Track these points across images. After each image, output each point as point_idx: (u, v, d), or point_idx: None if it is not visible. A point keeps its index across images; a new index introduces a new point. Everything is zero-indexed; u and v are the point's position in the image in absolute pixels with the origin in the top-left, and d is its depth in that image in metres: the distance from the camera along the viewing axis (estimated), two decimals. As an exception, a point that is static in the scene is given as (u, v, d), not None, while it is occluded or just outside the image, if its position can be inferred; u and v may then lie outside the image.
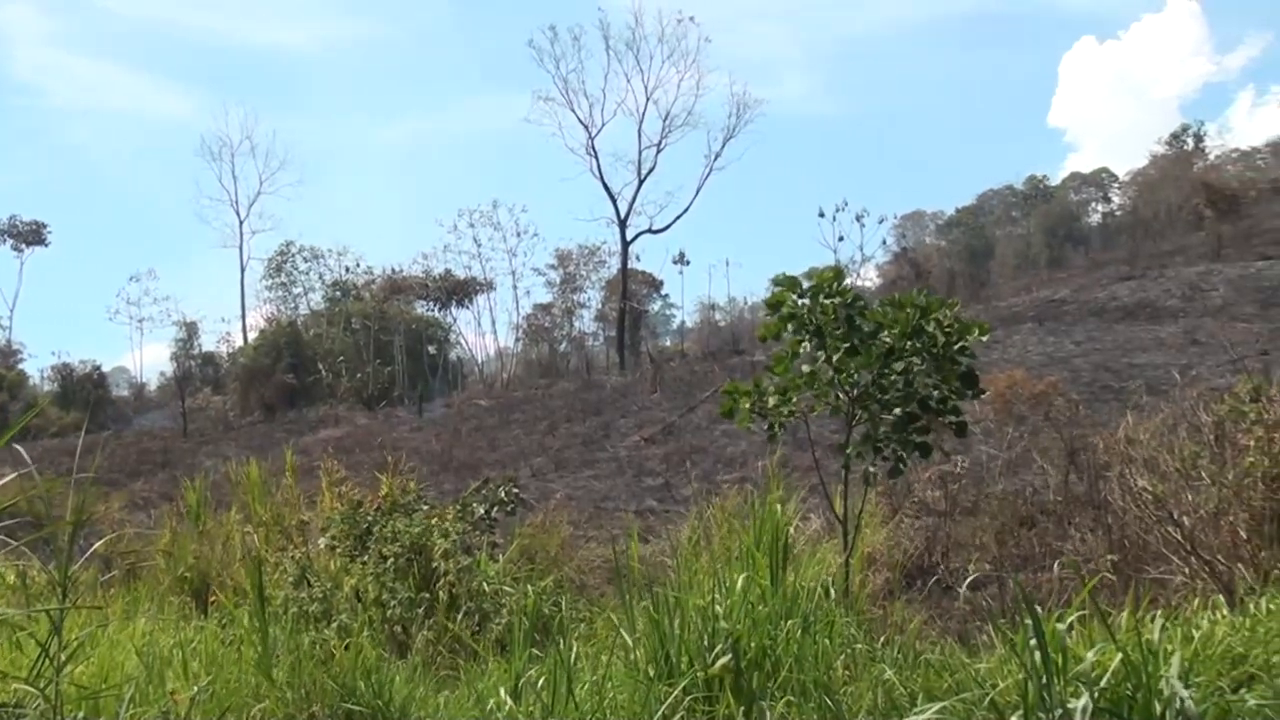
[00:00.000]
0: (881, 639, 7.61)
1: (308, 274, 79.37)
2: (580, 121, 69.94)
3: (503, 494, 14.39)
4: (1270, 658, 5.94)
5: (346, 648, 8.27)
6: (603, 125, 69.84)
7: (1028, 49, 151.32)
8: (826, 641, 6.82)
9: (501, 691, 6.87)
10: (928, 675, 6.27)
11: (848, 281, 9.48)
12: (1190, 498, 9.91)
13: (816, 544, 9.87)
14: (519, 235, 73.85)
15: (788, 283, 9.19)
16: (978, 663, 6.41)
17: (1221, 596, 7.95)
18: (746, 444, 28.35)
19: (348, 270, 78.84)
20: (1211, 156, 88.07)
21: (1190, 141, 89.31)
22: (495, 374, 74.47)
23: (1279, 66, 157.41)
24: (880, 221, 75.72)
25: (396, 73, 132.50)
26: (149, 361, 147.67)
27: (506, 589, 11.16)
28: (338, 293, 78.55)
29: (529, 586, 10.97)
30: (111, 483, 33.75)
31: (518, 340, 78.32)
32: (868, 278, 75.13)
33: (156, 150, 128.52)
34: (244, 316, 78.22)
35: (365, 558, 11.70)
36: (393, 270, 75.87)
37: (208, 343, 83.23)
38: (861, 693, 6.27)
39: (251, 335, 74.61)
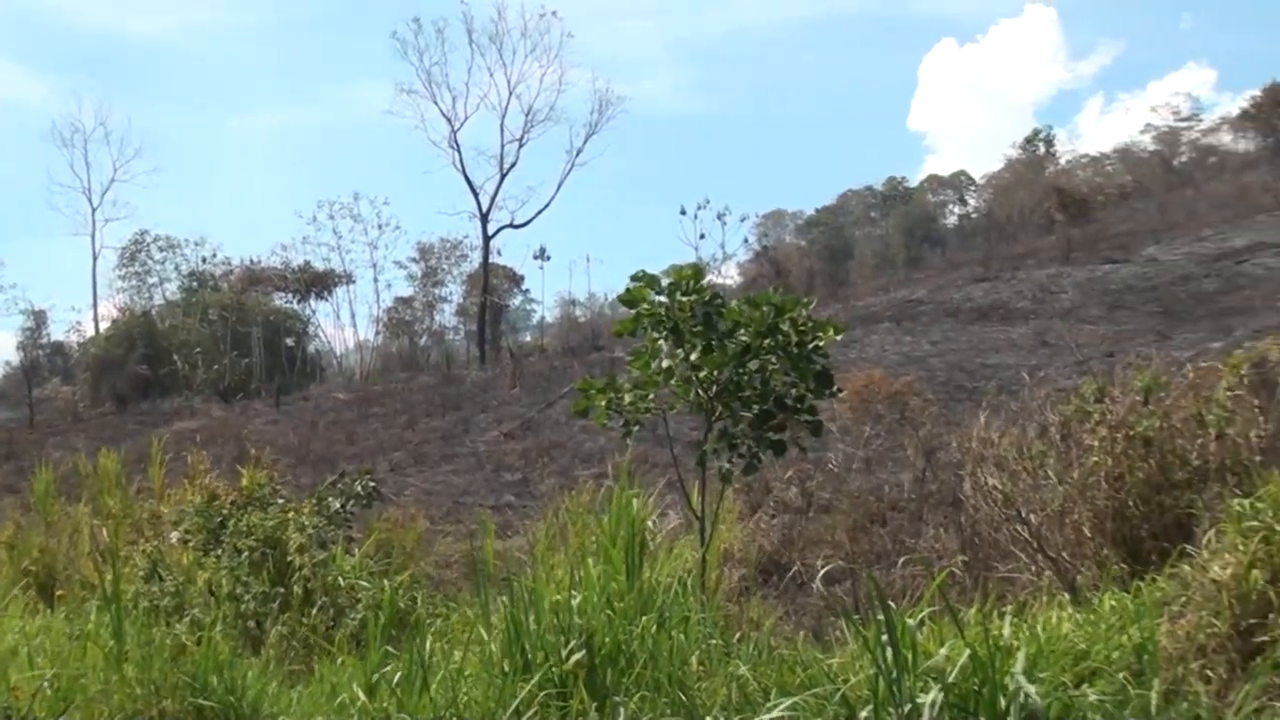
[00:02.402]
0: (737, 635, 7.67)
1: (163, 264, 77.78)
2: (443, 114, 69.44)
3: (359, 488, 14.24)
4: (1111, 653, 6.09)
5: (199, 643, 8.12)
6: (465, 119, 69.40)
7: (890, 50, 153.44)
8: (682, 637, 6.85)
9: (355, 687, 6.80)
10: (781, 671, 6.33)
11: (709, 279, 9.52)
12: (1038, 496, 10.10)
13: (674, 540, 9.88)
14: (380, 228, 73.03)
15: (645, 279, 9.19)
16: (831, 658, 6.48)
17: (1066, 594, 8.12)
18: (605, 440, 28.34)
19: (205, 260, 77.46)
20: (1062, 161, 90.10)
21: (1042, 146, 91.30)
22: (355, 367, 73.66)
23: (1129, 75, 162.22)
24: (742, 220, 76.12)
25: (258, 61, 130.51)
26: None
27: (362, 584, 11.05)
28: (194, 283, 77.06)
29: (385, 582, 10.87)
30: (-49, 475, 32.87)
31: (378, 333, 77.55)
32: (729, 276, 75.50)
33: (2, 135, 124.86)
34: (95, 306, 76.37)
35: (219, 552, 11.51)
36: (251, 261, 74.66)
37: (57, 332, 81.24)
38: (715, 688, 6.30)
39: (103, 325, 72.96)
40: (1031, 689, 5.13)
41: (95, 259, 76.25)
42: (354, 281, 74.42)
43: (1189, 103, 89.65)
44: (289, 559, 11.07)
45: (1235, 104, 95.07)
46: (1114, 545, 9.15)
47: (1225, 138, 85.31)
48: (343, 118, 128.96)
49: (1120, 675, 5.76)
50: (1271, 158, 63.54)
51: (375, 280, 75.78)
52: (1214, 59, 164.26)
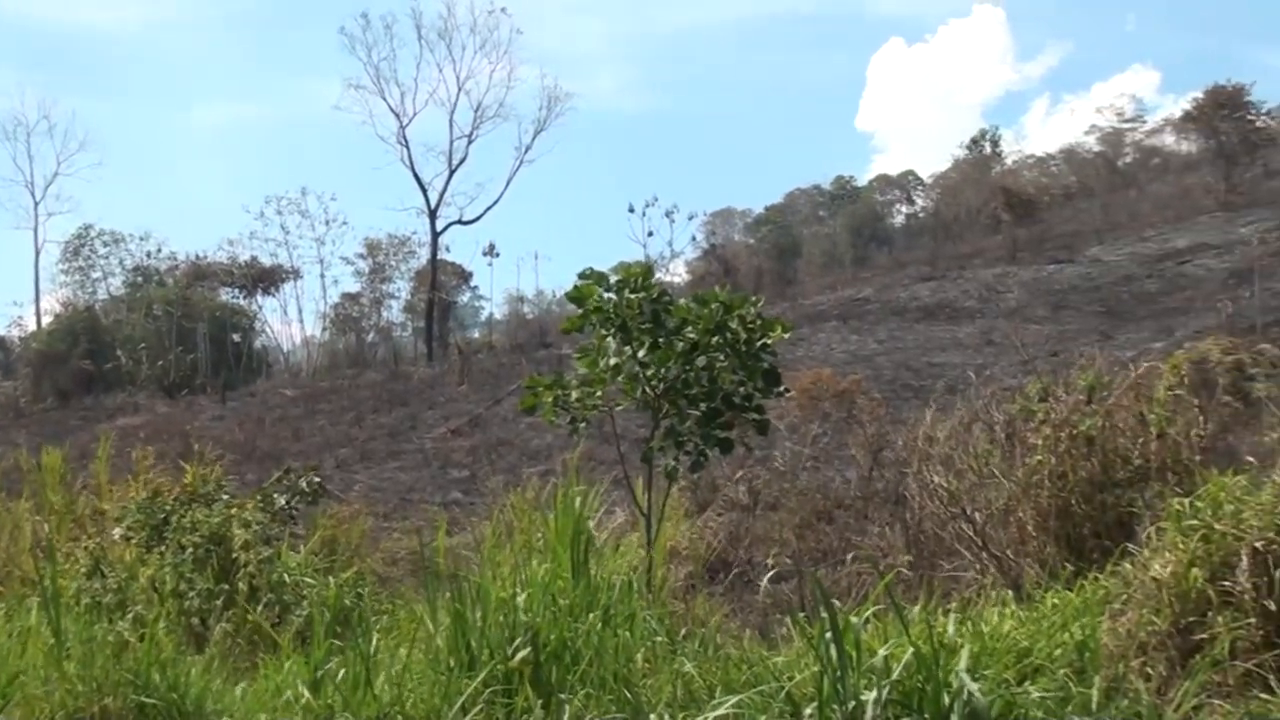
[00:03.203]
0: (682, 632, 7.67)
1: (107, 258, 77.05)
2: (391, 110, 68.98)
3: (305, 484, 14.20)
4: (1054, 651, 6.14)
5: (141, 639, 8.05)
6: (414, 115, 68.97)
7: (839, 49, 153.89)
8: (627, 634, 6.85)
9: (299, 684, 6.77)
10: (726, 668, 6.34)
11: (656, 277, 9.53)
12: (983, 495, 10.17)
13: (620, 538, 9.88)
14: (328, 224, 72.57)
15: (593, 277, 9.19)
16: (776, 656, 6.50)
17: (1010, 591, 8.18)
18: (552, 437, 28.35)
19: (150, 255, 76.75)
20: (1009, 161, 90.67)
21: (988, 146, 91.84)
22: (301, 363, 73.26)
23: (1075, 76, 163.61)
24: (690, 218, 76.15)
25: (206, 56, 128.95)
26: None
27: (308, 580, 11.01)
28: (139, 278, 76.37)
29: (330, 578, 10.84)
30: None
31: (325, 330, 77.13)
32: (677, 273, 75.48)
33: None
34: (38, 300, 75.44)
35: (163, 549, 11.43)
36: (197, 257, 74.10)
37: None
38: (661, 685, 6.31)
39: (46, 320, 72.11)
40: (974, 686, 5.17)
41: (38, 253, 75.34)
42: (301, 277, 74.11)
43: (1133, 104, 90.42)
44: (234, 556, 11.01)
45: (1178, 106, 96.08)
46: (1057, 543, 9.23)
47: (1168, 139, 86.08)
48: (291, 113, 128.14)
49: (1062, 672, 5.81)
50: (1213, 160, 64.12)
51: (322, 276, 75.25)
52: (1158, 61, 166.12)
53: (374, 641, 7.11)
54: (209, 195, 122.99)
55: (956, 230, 79.06)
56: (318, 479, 14.74)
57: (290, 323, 77.82)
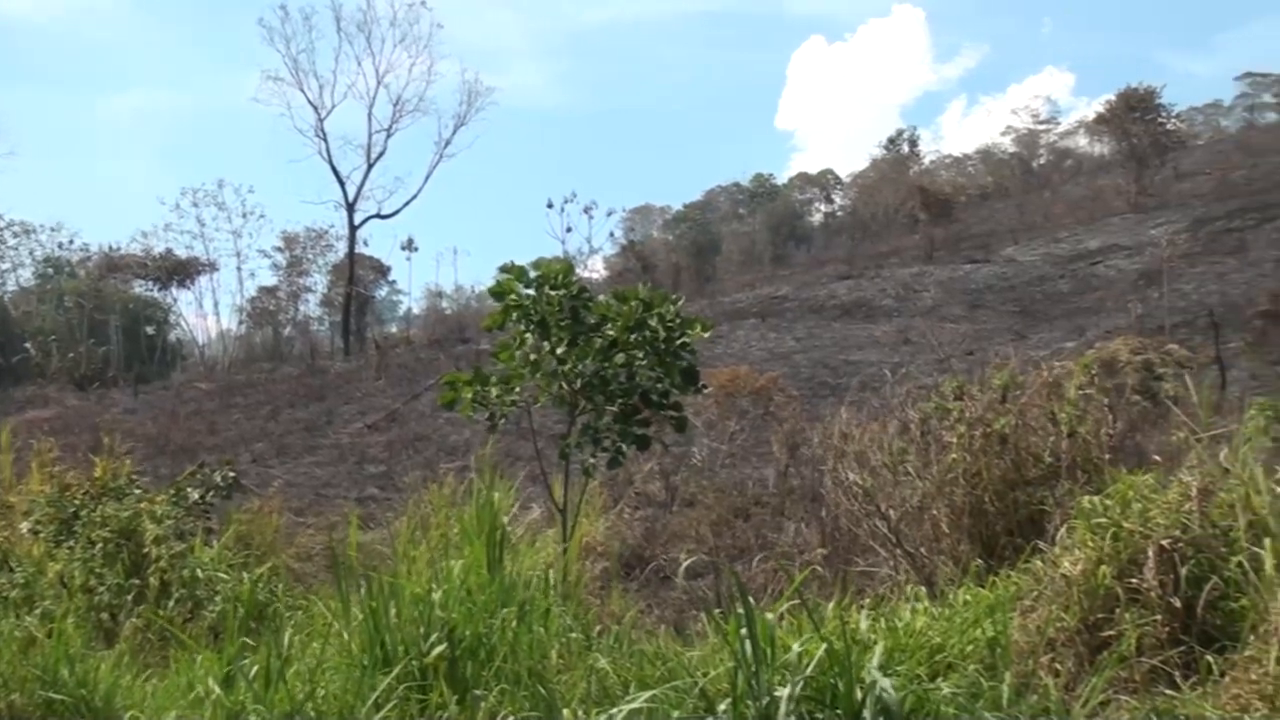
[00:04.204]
0: (597, 628, 7.68)
1: (17, 249, 75.67)
2: (310, 103, 68.16)
3: (219, 479, 14.06)
4: (965, 647, 6.21)
5: (50, 635, 7.95)
6: (333, 108, 68.20)
7: (759, 47, 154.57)
8: (542, 630, 6.85)
9: (211, 680, 6.70)
10: (641, 664, 6.35)
11: (575, 273, 9.55)
12: (897, 492, 10.26)
13: (536, 534, 9.88)
14: (245, 216, 71.60)
15: (514, 271, 9.18)
16: (691, 652, 6.53)
17: (924, 588, 8.26)
18: (470, 432, 28.31)
19: (61, 247, 75.51)
20: (926, 161, 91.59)
21: (906, 146, 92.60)
22: (217, 357, 72.41)
23: (991, 77, 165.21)
24: (609, 214, 75.91)
25: (121, 45, 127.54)
26: None
27: (221, 576, 10.91)
28: (50, 269, 75.17)
29: (244, 574, 10.75)
30: None
31: (241, 323, 76.29)
32: (595, 270, 75.40)
33: None
34: (-57, 292, 74.14)
35: (72, 543, 11.29)
36: (110, 248, 72.99)
37: (-100, 317, 78.67)
38: (575, 681, 6.31)
39: (-48, 311, 70.82)
40: (886, 683, 5.22)
41: (-56, 244, 74.06)
42: (217, 270, 73.04)
43: (1048, 106, 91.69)
44: (145, 550, 10.88)
45: (1091, 108, 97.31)
46: (970, 540, 9.33)
47: (1081, 141, 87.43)
48: (208, 104, 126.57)
49: (973, 669, 5.88)
50: (1124, 162, 64.97)
51: (239, 269, 74.22)
52: (1073, 63, 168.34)
53: (288, 637, 7.06)
54: (123, 186, 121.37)
55: (874, 229, 79.61)
56: (232, 473, 14.59)
57: (206, 316, 76.63)
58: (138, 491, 12.48)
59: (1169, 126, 63.38)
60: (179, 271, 71.15)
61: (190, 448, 31.36)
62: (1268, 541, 5.85)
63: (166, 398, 46.77)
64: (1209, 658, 5.76)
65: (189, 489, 13.39)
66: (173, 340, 74.16)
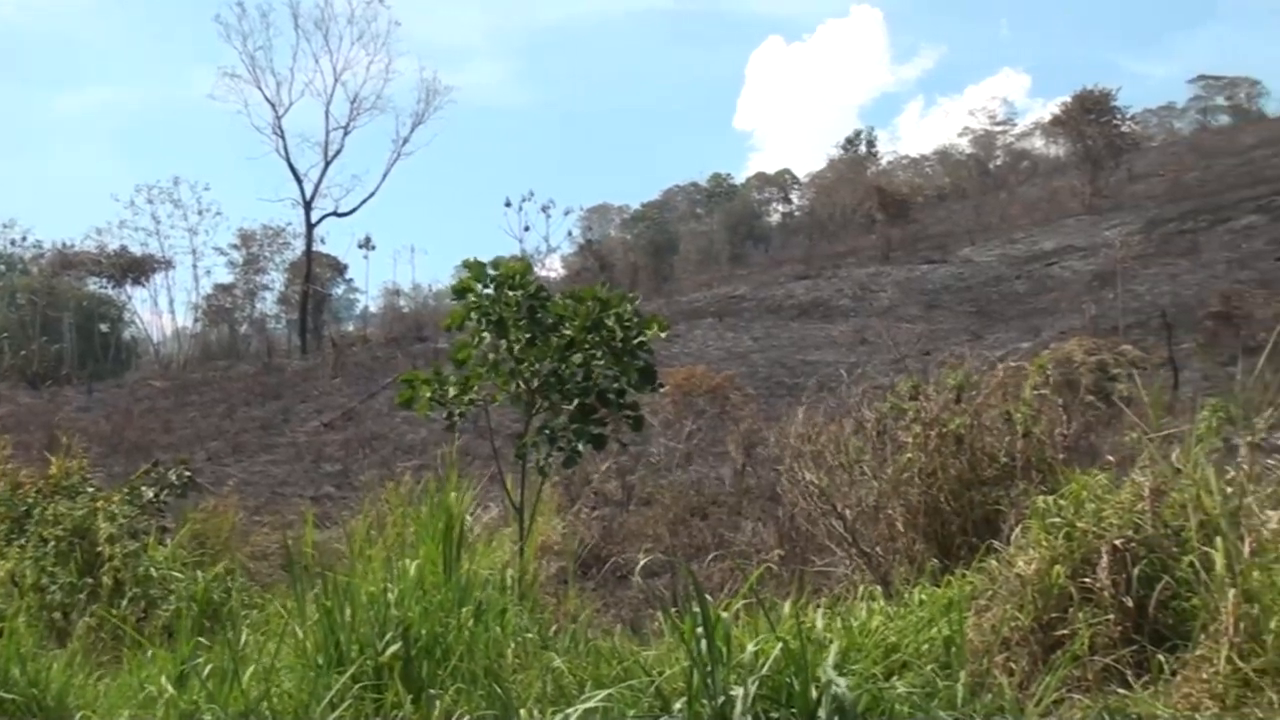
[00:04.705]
0: (554, 627, 7.68)
1: (-31, 246, 75.06)
2: (267, 100, 67.64)
3: (174, 477, 13.99)
4: (920, 646, 6.24)
5: (1, 634, 7.88)
6: (290, 105, 67.73)
7: (718, 47, 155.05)
8: (498, 630, 6.84)
9: (164, 679, 6.66)
10: (597, 663, 6.34)
11: (533, 272, 9.54)
12: (853, 492, 10.29)
13: (493, 533, 9.87)
14: (201, 213, 71.14)
15: (475, 268, 9.17)
16: (647, 651, 6.52)
17: (879, 587, 8.29)
18: (427, 431, 28.25)
19: (14, 243, 74.83)
20: (884, 162, 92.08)
21: (864, 147, 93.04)
22: (172, 355, 71.90)
23: (948, 78, 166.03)
24: (566, 213, 75.78)
25: (77, 41, 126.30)
26: None
27: (175, 575, 10.85)
28: (2, 266, 74.50)
29: (199, 573, 10.69)
30: None
31: (197, 321, 75.81)
32: (553, 268, 75.33)
33: None
34: (-107, 288, 73.34)
35: (24, 541, 11.20)
36: (64, 245, 72.36)
37: None
38: (531, 681, 6.31)
39: (-98, 308, 70.09)
40: (841, 682, 5.24)
41: (-106, 241, 73.32)
42: (173, 267, 72.55)
43: (1004, 107, 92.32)
44: (98, 549, 10.81)
45: (1047, 110, 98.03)
46: (926, 540, 9.37)
47: (1038, 142, 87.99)
48: (164, 100, 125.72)
49: (929, 668, 5.90)
50: (1080, 163, 65.46)
51: (195, 267, 73.69)
52: (1029, 65, 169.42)
53: (242, 637, 7.02)
54: (78, 183, 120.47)
55: (831, 229, 79.91)
56: (187, 472, 14.53)
57: (161, 313, 75.97)
58: (91, 490, 12.39)
59: (1124, 128, 64.00)
60: (134, 269, 70.66)
61: (145, 446, 31.17)
62: (1219, 541, 5.90)
63: (121, 396, 46.44)
64: (1161, 657, 5.81)
65: (143, 487, 13.31)
66: (127, 338, 73.67)
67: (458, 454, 9.41)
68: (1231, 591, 5.63)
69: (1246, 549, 5.85)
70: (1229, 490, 6.26)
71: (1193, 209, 49.34)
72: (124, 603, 10.22)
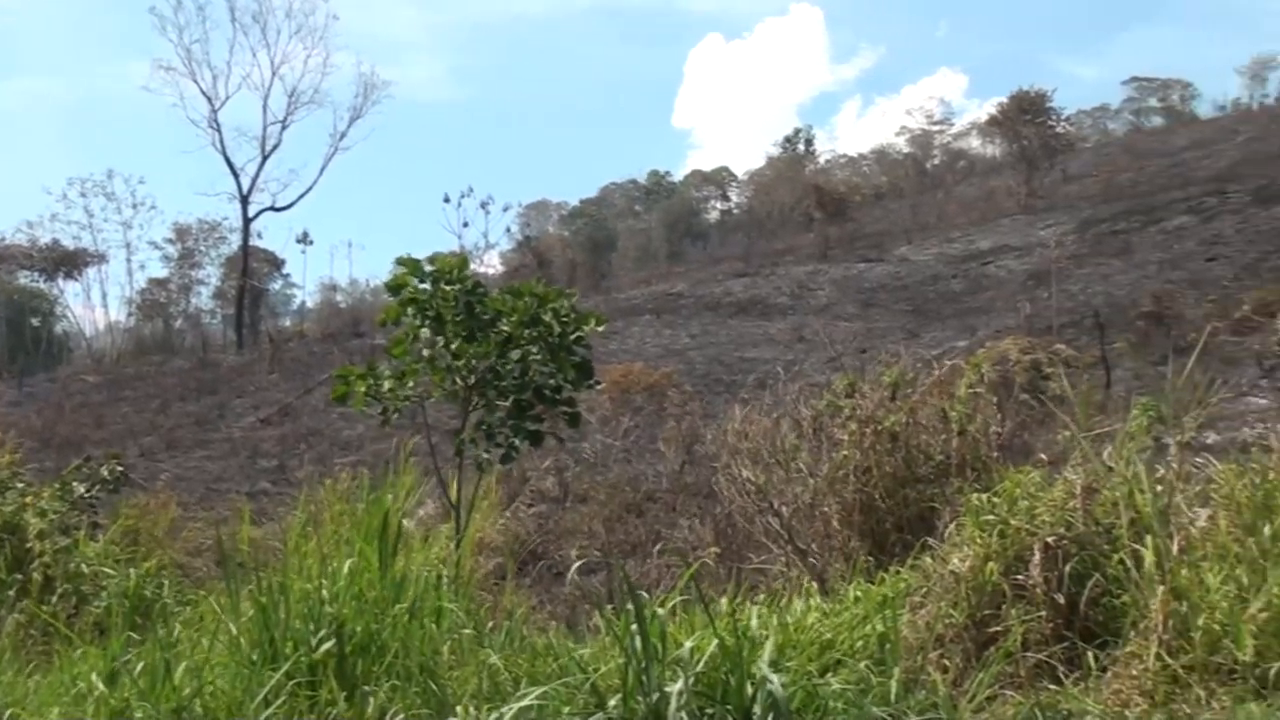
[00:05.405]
0: (490, 624, 7.67)
1: (-105, 241, 73.85)
2: (203, 93, 67.01)
3: (106, 473, 13.85)
4: (855, 643, 6.27)
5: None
6: (227, 98, 67.04)
7: (658, 44, 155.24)
8: (434, 627, 6.81)
9: (95, 676, 6.59)
10: (533, 660, 6.34)
11: (471, 268, 9.51)
12: (790, 489, 10.33)
13: (430, 530, 9.84)
14: (135, 207, 70.29)
15: (410, 264, 9.14)
16: (582, 648, 6.52)
17: (816, 584, 8.33)
18: (364, 427, 28.14)
19: (-58, 238, 73.77)
20: (822, 160, 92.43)
21: (802, 145, 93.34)
22: (105, 349, 71.16)
23: (886, 78, 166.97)
24: (505, 209, 75.29)
25: (5, 31, 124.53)
26: None
27: (107, 571, 10.75)
28: (-71, 260, 73.54)
29: (131, 569, 10.59)
30: None
31: (130, 315, 75.00)
32: (491, 265, 75.03)
33: None
34: None
35: (-51, 538, 11.07)
36: (-7, 238, 71.42)
37: None
38: (467, 677, 6.29)
39: None
40: (776, 678, 5.25)
41: None
42: (106, 261, 71.72)
43: (941, 107, 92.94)
44: (28, 545, 10.70)
45: (984, 110, 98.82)
46: (861, 537, 9.42)
47: (974, 142, 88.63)
48: (97, 92, 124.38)
49: (863, 664, 5.93)
50: (1015, 163, 65.98)
51: (129, 261, 72.83)
52: (966, 65, 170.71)
53: (175, 633, 6.97)
54: (7, 175, 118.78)
55: (770, 227, 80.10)
56: (120, 467, 14.40)
57: (94, 308, 75.14)
58: (21, 485, 12.24)
59: (1059, 129, 64.50)
60: (66, 262, 69.80)
61: (76, 441, 30.82)
62: (1149, 539, 5.97)
63: (52, 390, 45.94)
64: (1091, 653, 5.87)
65: (75, 483, 13.17)
66: (59, 332, 72.85)
67: (396, 450, 9.39)
68: (1161, 589, 5.70)
69: (1175, 547, 5.92)
70: (1159, 489, 6.33)
71: (1125, 210, 49.82)
72: (54, 599, 10.11)
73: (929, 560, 7.03)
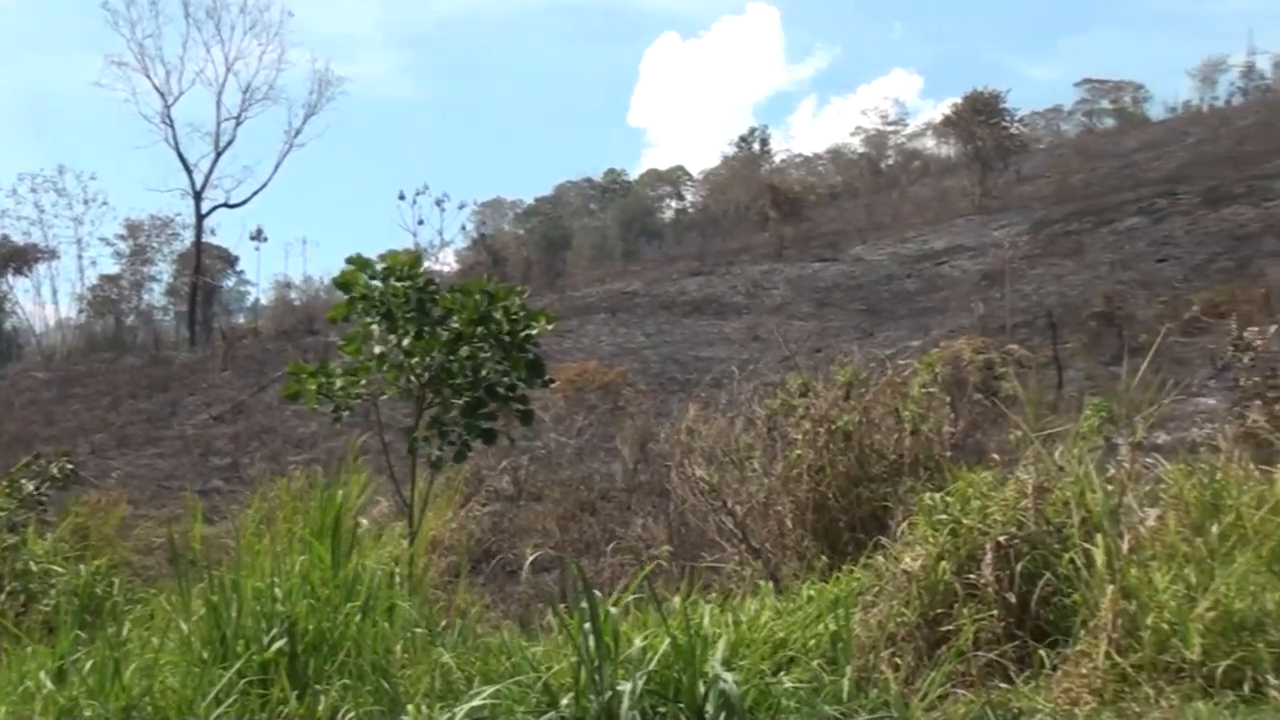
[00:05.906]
0: (443, 623, 7.64)
1: None
2: (156, 89, 66.73)
3: (55, 470, 13.73)
4: (808, 642, 6.29)
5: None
6: (180, 94, 66.81)
7: (614, 43, 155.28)
8: (386, 625, 6.78)
9: (43, 675, 6.53)
10: (486, 659, 6.32)
11: (426, 266, 9.48)
12: (743, 488, 10.33)
13: (383, 528, 9.79)
14: (86, 203, 69.86)
15: (359, 263, 9.10)
16: (535, 646, 6.51)
17: (769, 583, 8.33)
18: (317, 425, 27.98)
19: (-110, 235, 72.97)
20: (777, 160, 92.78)
21: (758, 145, 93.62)
22: (55, 346, 70.59)
23: (842, 78, 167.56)
24: (460, 207, 75.45)
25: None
26: None
27: (56, 569, 10.65)
28: (-123, 257, 72.74)
29: (81, 567, 10.50)
30: None
31: (81, 312, 74.49)
32: (447, 262, 74.85)
33: None
34: None
35: (-103, 535, 10.95)
36: (-58, 236, 70.73)
37: None
38: (419, 676, 6.27)
39: None
40: (729, 677, 5.26)
41: None
42: (57, 258, 71.29)
43: (896, 108, 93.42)
44: (-25, 543, 10.60)
45: (938, 110, 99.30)
46: (815, 536, 9.43)
47: (929, 143, 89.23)
48: (47, 87, 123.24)
49: (816, 663, 5.94)
50: (969, 164, 66.33)
51: (80, 257, 72.43)
52: (921, 66, 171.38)
53: (125, 631, 6.91)
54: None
55: (725, 226, 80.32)
56: (70, 465, 14.26)
57: (44, 304, 74.62)
58: (-32, 483, 12.15)
59: (1012, 130, 64.87)
60: (16, 259, 69.31)
61: (25, 438, 30.55)
62: (1099, 538, 6.00)
63: (1, 387, 45.52)
64: (1042, 652, 5.91)
65: (23, 480, 13.04)
66: (8, 329, 72.25)
67: (349, 448, 9.34)
68: (1111, 588, 5.74)
69: (1126, 546, 5.96)
70: (1110, 488, 6.37)
71: (1078, 210, 50.13)
72: (2, 597, 10.02)
73: (882, 559, 7.05)
